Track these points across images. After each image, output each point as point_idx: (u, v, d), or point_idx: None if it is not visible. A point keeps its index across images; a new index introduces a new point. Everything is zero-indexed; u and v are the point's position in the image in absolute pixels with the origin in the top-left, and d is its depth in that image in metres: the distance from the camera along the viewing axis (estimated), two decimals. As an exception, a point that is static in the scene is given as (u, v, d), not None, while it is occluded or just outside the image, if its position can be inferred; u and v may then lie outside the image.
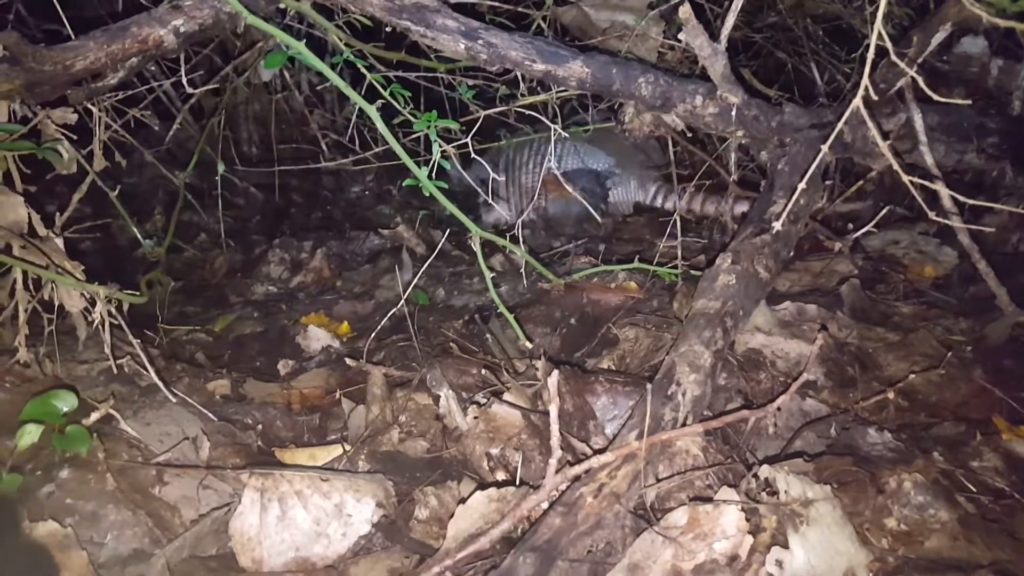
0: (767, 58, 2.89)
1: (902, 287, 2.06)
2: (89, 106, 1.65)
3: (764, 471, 1.28)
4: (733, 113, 1.69)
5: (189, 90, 1.64)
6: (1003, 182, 2.27)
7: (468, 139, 1.74)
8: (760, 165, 2.34)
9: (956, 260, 2.17)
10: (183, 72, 1.68)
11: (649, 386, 1.30)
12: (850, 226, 2.33)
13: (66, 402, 1.30)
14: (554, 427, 1.19)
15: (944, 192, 1.65)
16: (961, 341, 1.77)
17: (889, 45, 1.11)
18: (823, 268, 2.11)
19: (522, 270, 2.06)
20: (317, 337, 2.07)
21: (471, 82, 2.14)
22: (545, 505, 1.22)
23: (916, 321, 1.89)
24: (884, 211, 1.85)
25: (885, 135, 1.95)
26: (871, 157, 2.03)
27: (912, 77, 1.77)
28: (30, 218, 1.43)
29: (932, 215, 1.27)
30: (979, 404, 1.62)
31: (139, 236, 1.94)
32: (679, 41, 2.13)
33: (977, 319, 1.84)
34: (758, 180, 2.37)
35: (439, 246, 1.98)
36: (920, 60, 1.79)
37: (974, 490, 1.37)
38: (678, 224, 2.02)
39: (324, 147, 3.01)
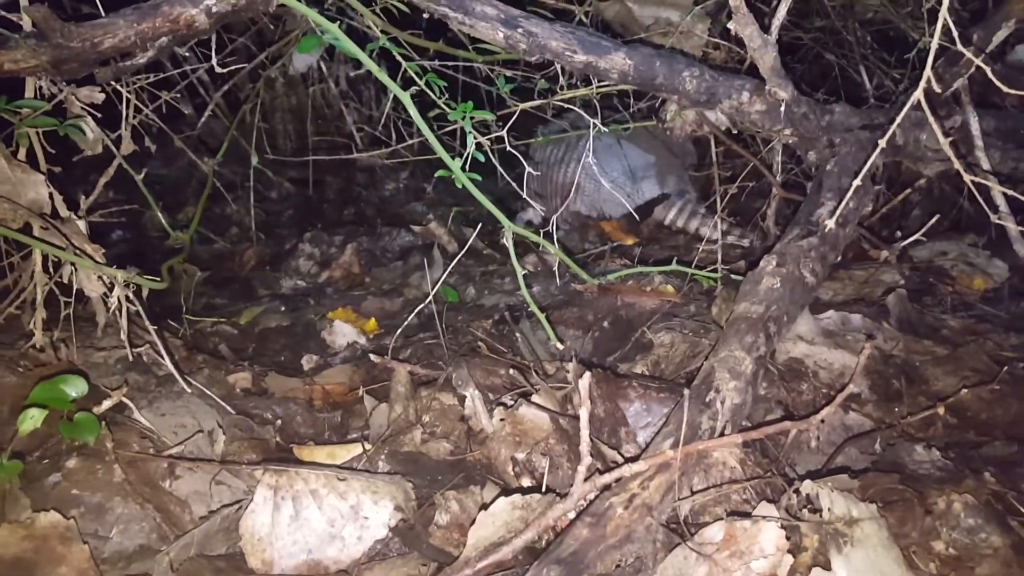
0: (812, 64, 2.82)
1: (950, 299, 1.99)
2: (118, 87, 1.62)
3: (806, 487, 1.20)
4: (782, 110, 1.62)
5: (219, 70, 1.59)
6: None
7: (504, 132, 1.69)
8: (804, 170, 2.27)
9: (1007, 273, 2.09)
10: (214, 57, 1.64)
11: (687, 392, 1.23)
12: (898, 234, 2.24)
13: (75, 387, 1.25)
14: (584, 432, 1.12)
15: (999, 193, 1.57)
16: (1013, 357, 1.68)
17: (955, 33, 1.03)
18: (868, 277, 2.03)
19: (555, 269, 2.00)
20: (343, 333, 2.04)
21: (509, 73, 2.09)
22: (572, 515, 1.16)
23: (965, 335, 1.81)
24: (933, 220, 1.77)
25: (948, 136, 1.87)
26: (922, 162, 1.95)
27: (973, 76, 1.69)
28: (52, 198, 1.40)
29: (995, 218, 1.19)
30: (1032, 424, 1.54)
31: (164, 222, 1.90)
32: (724, 40, 2.08)
33: (1029, 335, 1.76)
34: (802, 184, 2.30)
35: (469, 243, 1.92)
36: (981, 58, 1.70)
37: (1027, 514, 1.29)
38: (719, 227, 1.95)
39: (359, 142, 2.97)
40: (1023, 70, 2.24)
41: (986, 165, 1.82)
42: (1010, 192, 1.14)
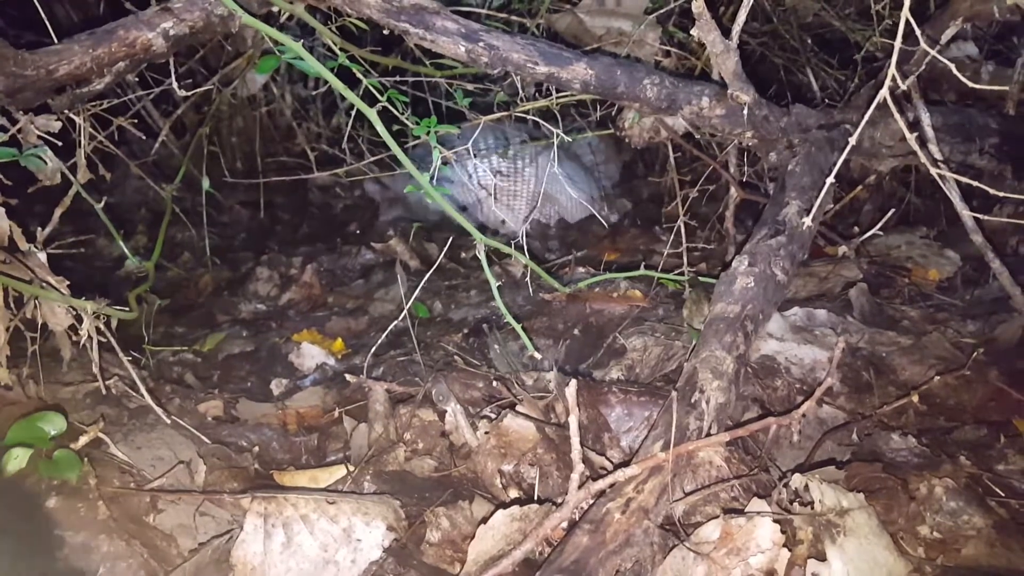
0: (755, 67, 2.87)
1: (907, 291, 2.04)
2: (72, 116, 1.58)
3: (796, 480, 1.22)
4: (744, 113, 1.64)
5: (180, 94, 1.56)
6: (1003, 184, 2.25)
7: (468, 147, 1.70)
8: (757, 171, 2.31)
9: (959, 263, 2.15)
10: (173, 80, 1.61)
11: (674, 394, 1.24)
12: (855, 229, 2.30)
13: (54, 425, 1.21)
14: (575, 439, 1.13)
15: (953, 186, 1.61)
16: (972, 343, 1.73)
17: (919, 32, 1.06)
18: (828, 273, 2.08)
19: (528, 279, 2.00)
20: (311, 355, 2.00)
21: (470, 86, 2.09)
22: (566, 524, 1.16)
23: (926, 324, 1.85)
24: (889, 215, 1.82)
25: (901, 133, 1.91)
26: (876, 158, 2.00)
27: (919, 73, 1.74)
28: (11, 231, 1.35)
29: (962, 210, 1.22)
30: (998, 406, 1.59)
31: (126, 251, 1.85)
32: (677, 48, 2.11)
33: (985, 321, 1.82)
34: (754, 185, 2.34)
35: (438, 260, 1.91)
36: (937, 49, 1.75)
37: (1003, 494, 1.33)
38: (683, 231, 1.97)
39: (312, 160, 2.93)
40: (960, 67, 2.32)
41: (939, 158, 1.87)
42: (976, 183, 1.18)
